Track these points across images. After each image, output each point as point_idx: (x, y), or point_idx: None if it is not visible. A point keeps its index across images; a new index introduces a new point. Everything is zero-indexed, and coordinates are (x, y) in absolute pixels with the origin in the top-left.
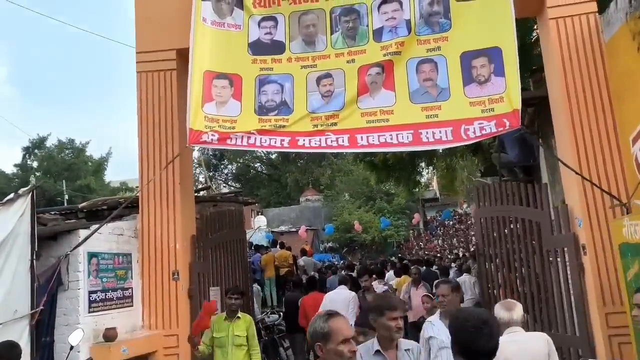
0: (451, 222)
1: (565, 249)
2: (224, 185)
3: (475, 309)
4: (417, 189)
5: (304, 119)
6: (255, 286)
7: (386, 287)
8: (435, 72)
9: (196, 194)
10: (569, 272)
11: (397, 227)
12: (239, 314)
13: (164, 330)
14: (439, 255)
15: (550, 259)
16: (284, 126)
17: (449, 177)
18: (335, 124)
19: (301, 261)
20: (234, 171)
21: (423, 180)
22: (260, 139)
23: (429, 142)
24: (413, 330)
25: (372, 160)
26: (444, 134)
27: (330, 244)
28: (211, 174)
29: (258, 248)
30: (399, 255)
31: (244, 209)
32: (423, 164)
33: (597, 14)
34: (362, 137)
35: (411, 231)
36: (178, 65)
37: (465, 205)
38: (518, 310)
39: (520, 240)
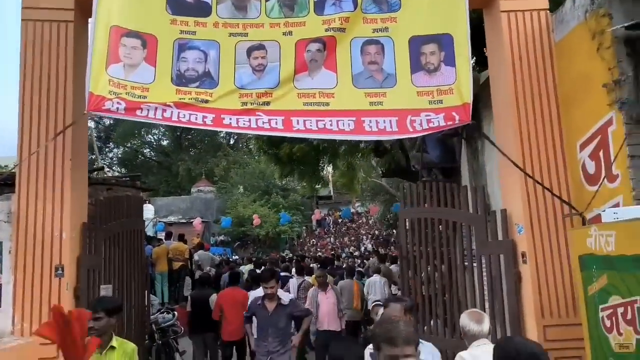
0: (342, 221)
1: (502, 256)
2: (109, 170)
3: (527, 342)
4: (319, 185)
5: (231, 94)
6: None
7: (291, 295)
8: (381, 55)
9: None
10: (503, 281)
11: (292, 223)
12: (114, 342)
13: (40, 337)
14: (332, 253)
15: (484, 266)
16: (207, 101)
17: (349, 175)
18: (268, 103)
19: (196, 256)
20: (120, 155)
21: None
22: (179, 113)
23: (372, 132)
24: (323, 338)
25: (277, 153)
26: (389, 124)
27: (222, 238)
28: (94, 156)
29: (150, 240)
30: (289, 252)
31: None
32: (326, 160)
33: (548, 11)
34: (298, 121)
35: (304, 227)
36: (76, 17)
37: (357, 204)
38: (487, 322)
39: (450, 244)
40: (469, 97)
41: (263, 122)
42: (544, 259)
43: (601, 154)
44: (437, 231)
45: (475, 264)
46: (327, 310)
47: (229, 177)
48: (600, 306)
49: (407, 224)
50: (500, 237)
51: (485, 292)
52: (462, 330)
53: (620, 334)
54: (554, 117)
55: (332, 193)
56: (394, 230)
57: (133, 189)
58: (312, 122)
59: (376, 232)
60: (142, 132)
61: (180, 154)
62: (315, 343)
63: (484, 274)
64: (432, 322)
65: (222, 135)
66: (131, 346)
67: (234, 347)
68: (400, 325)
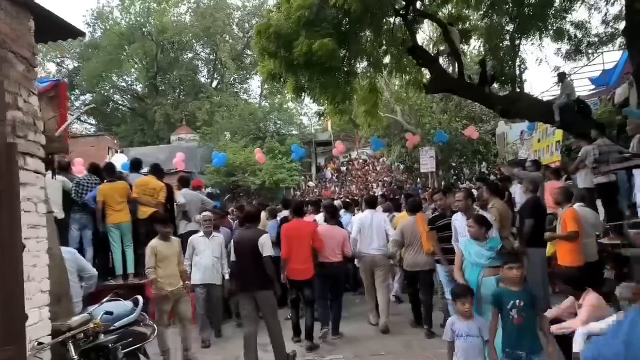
0: (346, 168)
1: None
2: (76, 120)
3: None
4: (349, 103)
5: None
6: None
7: None
8: None
9: None
10: None
11: (290, 170)
12: None
13: None
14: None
15: None
16: None
17: (371, 100)
18: None
19: (180, 197)
20: (87, 103)
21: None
22: None
23: None
24: None
25: (289, 56)
26: None
27: (209, 190)
28: None
29: (98, 171)
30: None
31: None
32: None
33: None
34: None
35: (302, 177)
36: None
37: (361, 150)
38: None
39: None
40: None
41: None
42: None
43: None
44: None
45: None
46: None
47: (214, 121)
48: None
49: None
50: None
51: None
52: None
53: None
54: None
55: (331, 137)
56: (406, 176)
57: None
58: None
59: (385, 178)
60: (112, 75)
61: (157, 98)
62: None
63: None
64: None
65: (203, 74)
66: None
67: (302, 288)
68: None
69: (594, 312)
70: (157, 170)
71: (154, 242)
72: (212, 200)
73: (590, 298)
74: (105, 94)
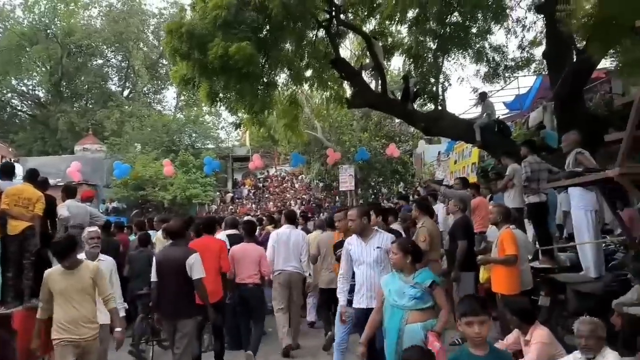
0: (262, 185)
1: None
2: None
3: None
4: (266, 113)
5: None
6: None
7: None
8: None
9: None
10: None
11: (204, 185)
12: None
13: None
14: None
15: None
16: None
17: (291, 113)
18: None
19: (64, 209)
20: None
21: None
22: None
23: None
24: None
25: (203, 59)
26: None
27: (114, 204)
28: None
29: None
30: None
31: None
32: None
33: None
34: None
35: (218, 193)
36: None
37: (280, 167)
38: None
39: None
40: None
41: None
42: None
43: None
44: None
45: None
46: None
47: (124, 132)
48: None
49: None
50: None
51: None
52: None
53: None
54: None
55: (250, 152)
56: (325, 194)
57: None
58: None
59: (304, 196)
60: (8, 78)
61: (61, 105)
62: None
63: None
64: None
65: (114, 82)
66: None
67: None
68: None
69: (545, 350)
70: (33, 177)
71: (51, 270)
72: (118, 216)
73: (540, 334)
74: (3, 98)
